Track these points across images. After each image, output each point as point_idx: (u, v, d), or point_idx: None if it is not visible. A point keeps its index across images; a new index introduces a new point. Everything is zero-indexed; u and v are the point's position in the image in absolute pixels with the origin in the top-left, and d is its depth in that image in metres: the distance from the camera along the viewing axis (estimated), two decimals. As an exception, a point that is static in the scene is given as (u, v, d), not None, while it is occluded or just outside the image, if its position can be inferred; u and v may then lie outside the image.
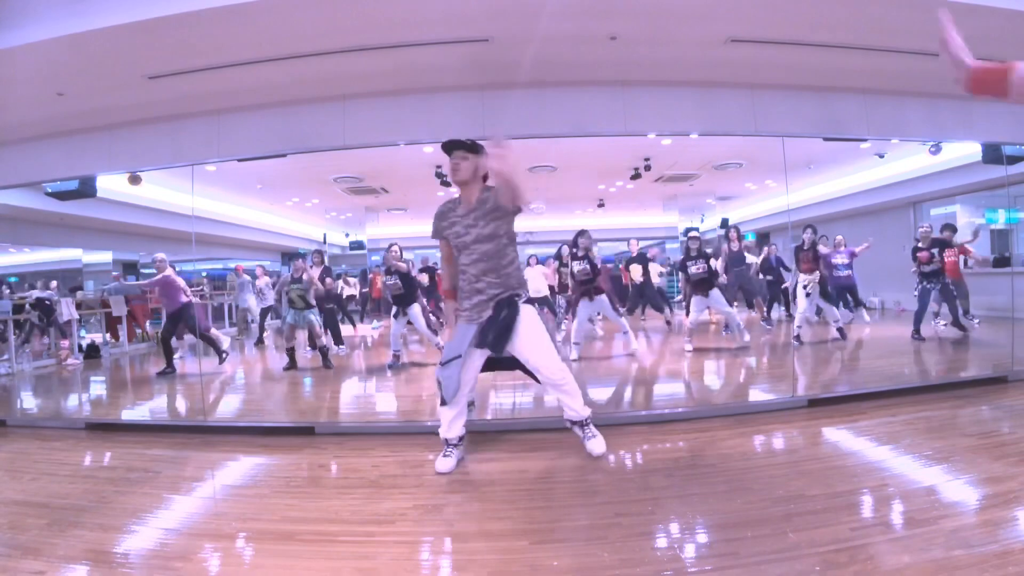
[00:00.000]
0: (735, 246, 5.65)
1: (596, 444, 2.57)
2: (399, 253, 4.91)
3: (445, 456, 2.55)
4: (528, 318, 2.53)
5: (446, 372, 2.53)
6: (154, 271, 5.09)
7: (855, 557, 1.64)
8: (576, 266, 4.80)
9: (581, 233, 4.85)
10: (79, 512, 2.19)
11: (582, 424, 2.61)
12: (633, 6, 2.82)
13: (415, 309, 4.96)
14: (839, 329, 5.21)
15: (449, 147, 2.50)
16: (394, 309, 4.97)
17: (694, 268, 5.03)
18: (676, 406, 3.54)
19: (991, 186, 4.98)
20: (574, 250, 4.85)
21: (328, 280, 5.68)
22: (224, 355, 4.98)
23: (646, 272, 5.71)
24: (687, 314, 5.46)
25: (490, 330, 2.48)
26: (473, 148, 2.49)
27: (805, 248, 5.17)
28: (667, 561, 1.69)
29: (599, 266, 4.87)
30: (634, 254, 5.65)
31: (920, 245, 4.93)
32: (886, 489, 2.13)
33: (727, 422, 3.10)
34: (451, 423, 2.57)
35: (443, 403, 2.55)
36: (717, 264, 5.40)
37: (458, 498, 2.25)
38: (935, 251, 4.86)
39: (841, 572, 1.57)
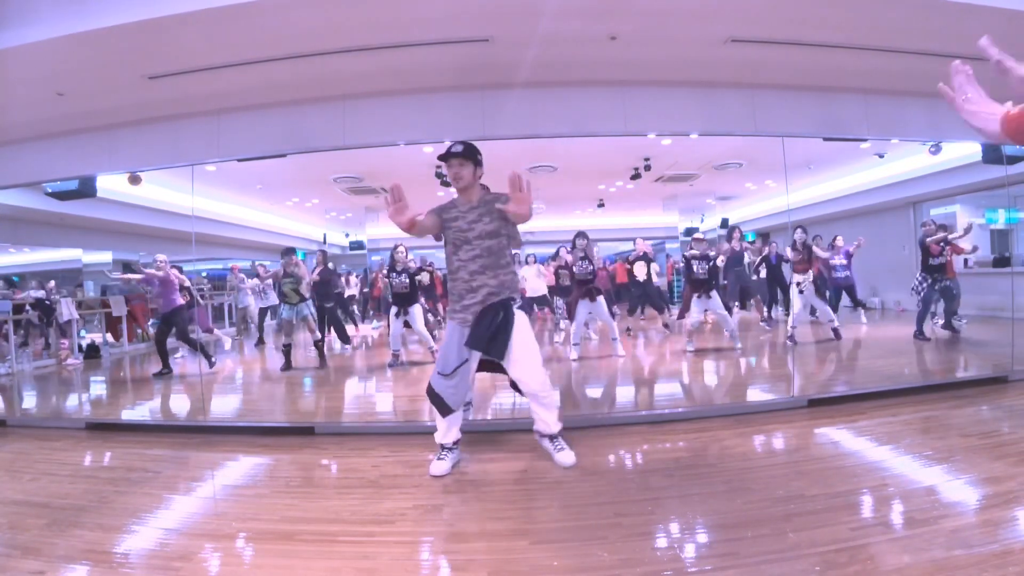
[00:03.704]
0: (736, 246, 5.67)
1: (565, 456, 2.52)
2: (406, 253, 4.98)
3: (440, 459, 2.54)
4: (521, 325, 2.52)
5: (450, 383, 2.51)
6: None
7: (855, 557, 1.63)
8: (577, 267, 4.84)
9: (580, 234, 4.91)
10: (79, 512, 2.19)
11: (552, 437, 2.58)
12: (633, 6, 2.82)
13: (416, 309, 5.00)
14: (834, 329, 5.24)
15: (445, 156, 2.50)
16: (394, 309, 5.00)
17: (697, 268, 5.06)
18: (676, 406, 3.54)
19: (991, 186, 4.98)
20: (574, 251, 4.89)
21: (349, 278, 5.72)
22: (212, 362, 4.96)
23: (649, 271, 5.72)
24: (681, 315, 5.47)
25: (483, 329, 2.46)
26: (468, 154, 2.49)
27: (798, 248, 5.18)
28: (667, 561, 1.69)
29: (598, 267, 4.92)
30: (640, 253, 5.66)
31: (930, 239, 4.93)
32: (886, 489, 2.13)
33: (727, 422, 3.10)
34: (449, 429, 2.57)
35: (445, 414, 2.54)
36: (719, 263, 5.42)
37: (458, 498, 2.25)
38: (943, 244, 4.89)
39: (841, 572, 1.57)
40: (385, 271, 5.09)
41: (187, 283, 5.42)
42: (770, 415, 3.21)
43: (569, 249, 4.91)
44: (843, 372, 4.54)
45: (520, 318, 2.54)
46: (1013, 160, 4.17)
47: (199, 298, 5.69)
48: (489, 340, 2.46)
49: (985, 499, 2.00)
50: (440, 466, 2.51)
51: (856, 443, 2.76)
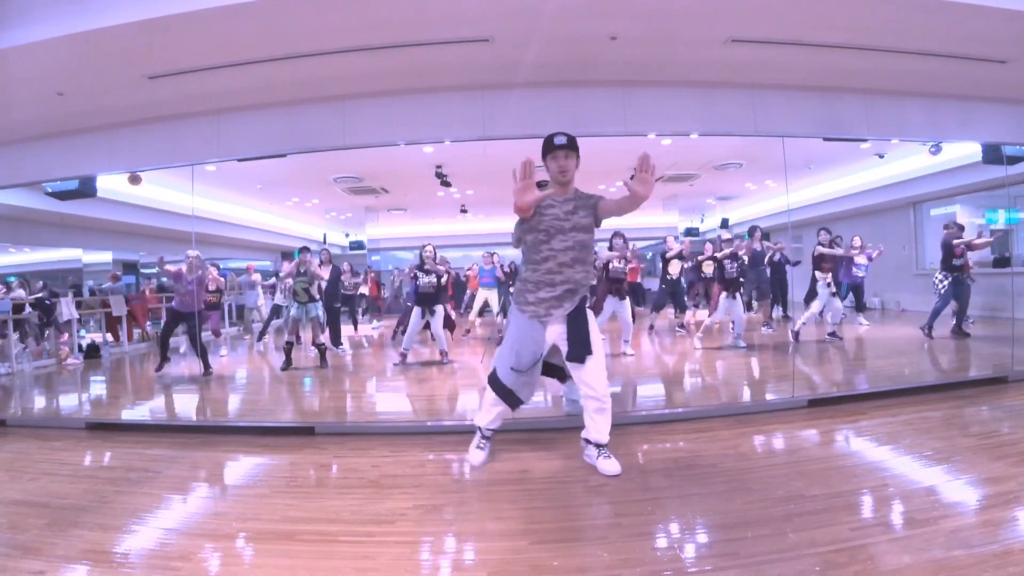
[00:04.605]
0: (757, 246, 5.70)
1: (612, 465, 2.40)
2: (434, 253, 4.97)
3: (479, 448, 2.57)
4: (593, 325, 2.46)
5: (525, 378, 2.45)
6: (156, 270, 5.09)
7: (855, 557, 1.64)
8: (615, 263, 4.92)
9: (617, 234, 4.97)
10: (79, 512, 2.19)
11: (599, 446, 2.46)
12: (633, 6, 2.82)
13: (440, 310, 4.98)
14: (831, 333, 5.26)
15: (547, 148, 2.40)
16: (418, 309, 4.94)
17: (729, 267, 5.13)
18: (676, 406, 3.54)
19: (991, 186, 4.99)
20: (612, 250, 4.94)
21: (354, 279, 5.72)
22: (209, 372, 4.90)
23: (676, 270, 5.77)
24: (695, 311, 5.47)
25: (581, 336, 2.38)
26: (573, 144, 2.41)
27: (828, 247, 5.26)
28: (667, 561, 1.69)
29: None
30: (673, 251, 5.69)
31: (956, 241, 4.94)
32: (886, 489, 2.13)
33: (727, 422, 3.10)
34: (499, 415, 2.54)
35: (515, 407, 2.50)
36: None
37: (458, 498, 2.25)
38: (964, 246, 4.93)
39: (841, 572, 1.57)
40: (414, 271, 5.05)
41: (222, 284, 5.41)
42: (770, 415, 3.21)
43: (608, 248, 4.95)
44: (843, 372, 4.54)
45: (592, 317, 2.48)
46: (1013, 160, 4.17)
47: (221, 299, 5.67)
48: (582, 346, 2.38)
49: (985, 499, 2.00)
50: (480, 455, 2.54)
51: (856, 443, 2.76)
